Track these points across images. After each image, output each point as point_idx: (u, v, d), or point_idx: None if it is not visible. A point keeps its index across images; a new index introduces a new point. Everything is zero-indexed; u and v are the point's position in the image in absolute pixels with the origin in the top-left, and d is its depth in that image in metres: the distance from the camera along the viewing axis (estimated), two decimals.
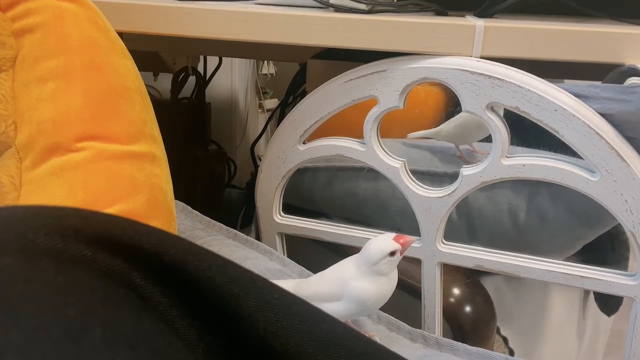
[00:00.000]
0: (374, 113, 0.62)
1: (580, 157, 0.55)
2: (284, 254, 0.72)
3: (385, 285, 0.49)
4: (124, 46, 0.56)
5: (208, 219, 0.71)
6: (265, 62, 1.51)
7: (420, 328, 0.59)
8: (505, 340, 0.76)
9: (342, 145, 0.65)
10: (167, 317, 0.20)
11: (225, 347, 0.22)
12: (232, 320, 0.22)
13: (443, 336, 0.63)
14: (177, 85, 1.13)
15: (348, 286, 0.48)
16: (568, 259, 0.65)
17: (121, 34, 0.56)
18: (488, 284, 0.73)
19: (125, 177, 0.50)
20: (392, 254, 0.48)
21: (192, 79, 1.16)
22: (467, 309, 0.70)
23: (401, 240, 0.48)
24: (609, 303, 0.85)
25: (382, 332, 0.57)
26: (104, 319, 0.17)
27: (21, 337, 0.15)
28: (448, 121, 0.72)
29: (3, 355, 0.14)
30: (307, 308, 0.23)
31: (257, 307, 0.22)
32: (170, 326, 0.20)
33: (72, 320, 0.16)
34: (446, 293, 0.68)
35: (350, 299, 0.49)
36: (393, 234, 0.49)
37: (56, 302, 0.16)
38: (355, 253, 0.51)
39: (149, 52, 1.04)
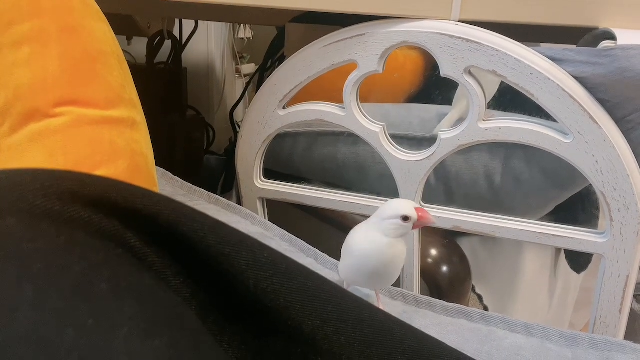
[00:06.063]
0: (353, 77, 0.62)
1: (554, 120, 0.56)
2: (265, 219, 0.72)
3: (384, 248, 0.45)
4: (99, 9, 0.55)
5: (189, 184, 0.71)
6: (242, 26, 1.48)
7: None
8: (480, 297, 0.79)
9: (322, 110, 0.66)
10: (162, 276, 0.21)
11: (217, 304, 0.23)
12: (223, 279, 0.22)
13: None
14: (152, 49, 1.10)
15: (349, 236, 0.47)
16: (541, 220, 0.67)
17: None
18: (464, 244, 0.76)
19: (106, 142, 0.49)
20: (405, 219, 0.44)
21: (167, 43, 1.13)
22: (444, 268, 0.72)
23: (420, 213, 0.45)
24: (578, 261, 0.88)
25: (362, 290, 0.58)
26: (109, 275, 0.17)
27: (33, 291, 0.15)
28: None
29: (18, 309, 0.15)
30: (295, 266, 0.24)
31: (247, 266, 0.22)
32: (166, 284, 0.21)
33: (79, 276, 0.16)
34: (424, 254, 0.70)
35: (345, 247, 0.47)
36: (416, 203, 0.46)
37: (62, 259, 0.17)
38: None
39: (122, 15, 1.02)
